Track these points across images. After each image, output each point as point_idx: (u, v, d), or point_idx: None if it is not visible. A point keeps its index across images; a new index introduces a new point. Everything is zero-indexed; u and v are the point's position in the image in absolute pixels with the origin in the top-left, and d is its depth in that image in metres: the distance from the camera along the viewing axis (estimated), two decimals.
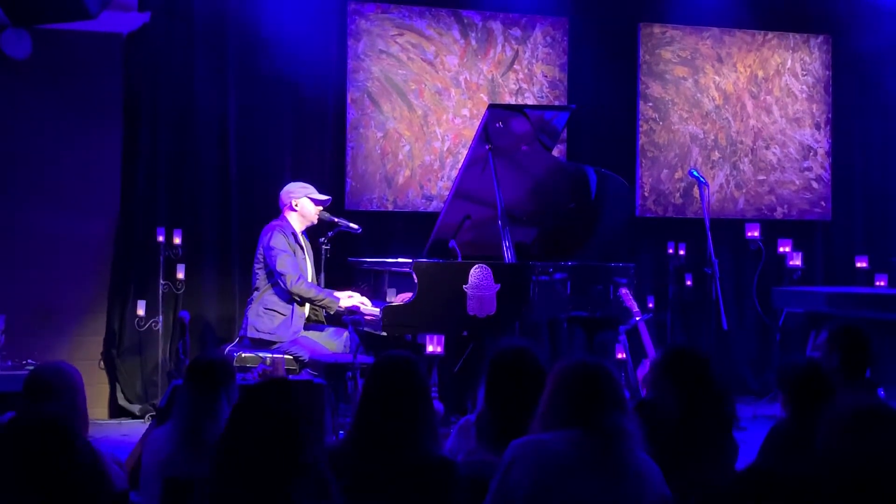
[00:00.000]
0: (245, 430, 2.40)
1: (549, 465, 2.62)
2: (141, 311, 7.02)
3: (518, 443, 2.70)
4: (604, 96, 8.30)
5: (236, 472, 2.36)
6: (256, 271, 6.19)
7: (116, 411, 7.17)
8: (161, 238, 6.98)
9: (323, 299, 6.05)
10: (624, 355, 6.84)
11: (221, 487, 2.37)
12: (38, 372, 3.39)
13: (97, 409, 6.96)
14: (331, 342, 6.18)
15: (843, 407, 2.25)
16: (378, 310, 5.76)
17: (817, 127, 8.82)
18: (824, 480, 2.22)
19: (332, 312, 6.13)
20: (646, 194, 8.41)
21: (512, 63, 8.12)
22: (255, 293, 6.18)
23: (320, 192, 6.39)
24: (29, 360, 6.38)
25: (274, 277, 6.10)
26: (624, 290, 6.40)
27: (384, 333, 5.67)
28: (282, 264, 6.03)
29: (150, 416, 6.88)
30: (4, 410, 3.53)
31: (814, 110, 8.81)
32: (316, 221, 6.33)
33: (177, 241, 7.03)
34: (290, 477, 2.35)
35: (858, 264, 8.11)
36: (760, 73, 8.70)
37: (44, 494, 2.23)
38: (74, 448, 2.31)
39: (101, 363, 7.23)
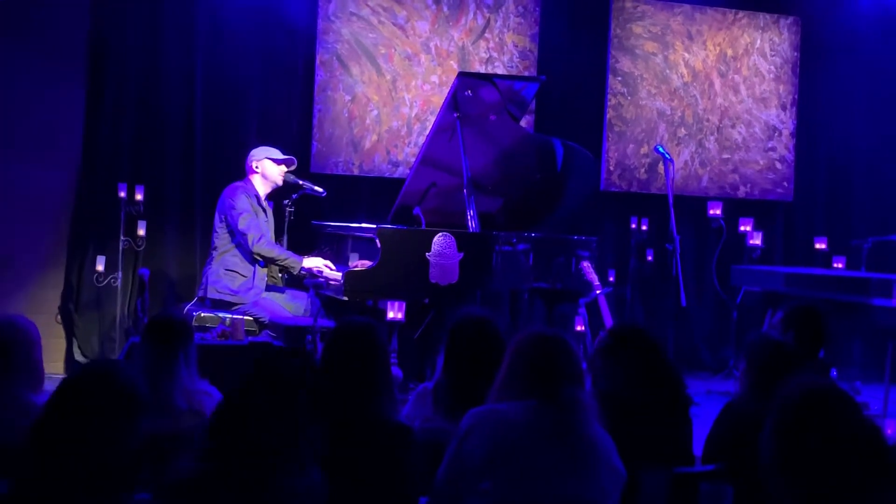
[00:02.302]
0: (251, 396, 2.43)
1: (504, 434, 2.64)
2: (100, 267, 6.96)
3: (475, 411, 2.72)
4: (573, 69, 8.30)
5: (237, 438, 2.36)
6: (217, 230, 6.16)
7: (72, 366, 7.11)
8: (123, 194, 6.91)
9: (286, 259, 6.04)
10: (583, 328, 6.88)
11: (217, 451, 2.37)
12: None
13: (53, 363, 6.90)
14: (291, 305, 6.17)
15: (795, 387, 2.28)
16: (340, 274, 5.75)
17: (783, 108, 8.88)
18: (771, 461, 2.25)
19: (294, 273, 6.12)
20: (611, 168, 8.44)
21: (483, 31, 8.09)
22: (214, 253, 6.15)
23: (285, 154, 6.36)
24: None
25: (236, 238, 6.07)
26: (585, 263, 6.44)
27: (346, 298, 5.66)
28: (243, 223, 6.01)
29: None
30: None
31: (780, 91, 8.87)
32: (280, 183, 6.30)
33: (139, 197, 6.96)
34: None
35: (818, 245, 8.22)
36: (729, 52, 8.73)
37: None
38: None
39: (59, 317, 7.16)
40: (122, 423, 2.36)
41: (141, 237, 7.00)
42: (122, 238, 6.97)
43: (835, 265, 7.86)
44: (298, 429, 2.39)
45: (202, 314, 5.93)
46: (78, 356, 7.13)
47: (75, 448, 2.28)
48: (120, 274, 7.01)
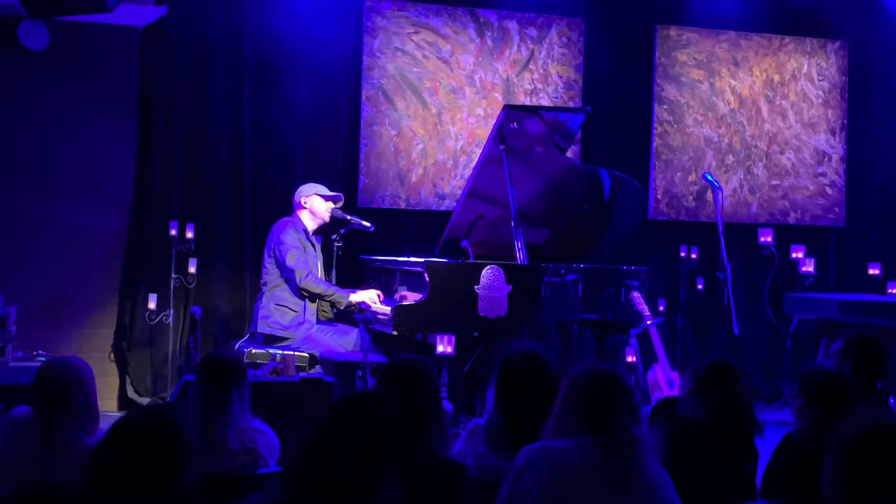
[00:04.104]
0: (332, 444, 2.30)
1: (560, 471, 2.61)
2: (152, 305, 7.03)
3: (529, 448, 2.69)
4: (619, 98, 8.28)
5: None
6: (266, 265, 6.21)
7: (126, 404, 7.18)
8: (174, 232, 6.99)
9: (332, 294, 6.08)
10: (634, 359, 6.82)
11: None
12: (49, 366, 3.39)
13: (107, 401, 6.96)
14: (341, 340, 6.18)
15: (858, 423, 2.24)
16: (389, 308, 5.76)
17: (832, 132, 8.78)
18: (835, 496, 2.21)
19: (341, 308, 6.15)
20: (659, 197, 8.38)
21: (527, 63, 8.10)
22: (264, 288, 6.20)
23: (332, 190, 6.41)
24: (40, 352, 6.40)
25: (285, 272, 6.12)
26: (635, 294, 6.38)
27: (395, 332, 5.67)
28: (291, 259, 6.06)
29: None
30: (16, 403, 3.53)
31: (829, 116, 8.77)
32: (328, 219, 6.35)
33: (189, 235, 7.02)
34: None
35: (871, 271, 8.07)
36: (776, 78, 8.67)
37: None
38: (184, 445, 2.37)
39: (112, 356, 7.24)
40: (171, 467, 2.36)
41: (192, 274, 7.06)
42: (173, 276, 7.03)
43: (889, 291, 7.72)
44: (378, 479, 2.26)
45: (253, 350, 5.95)
46: (131, 394, 7.19)
47: (125, 492, 2.29)
48: (172, 311, 7.07)
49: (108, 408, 7.03)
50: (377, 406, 2.38)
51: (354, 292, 6.15)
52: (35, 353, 6.39)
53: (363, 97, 7.75)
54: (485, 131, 7.51)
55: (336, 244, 6.37)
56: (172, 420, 2.44)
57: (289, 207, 6.41)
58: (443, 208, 7.74)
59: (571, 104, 8.05)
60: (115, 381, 7.22)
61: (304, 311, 6.12)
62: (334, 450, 2.25)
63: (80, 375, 3.32)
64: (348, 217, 6.39)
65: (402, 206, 7.83)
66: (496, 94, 7.99)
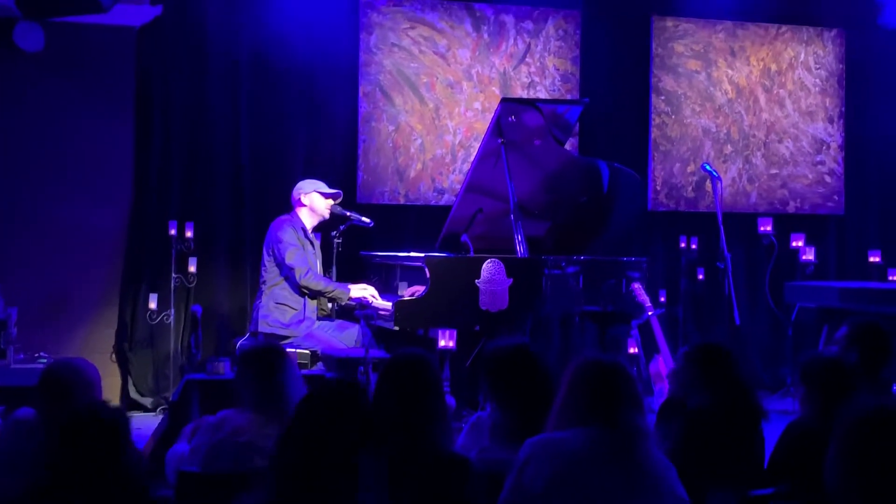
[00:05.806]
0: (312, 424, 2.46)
1: (565, 462, 2.61)
2: (153, 304, 7.03)
3: (533, 441, 2.70)
4: (616, 90, 8.27)
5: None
6: (265, 264, 6.21)
7: (128, 404, 7.18)
8: (173, 231, 6.99)
9: (333, 290, 6.08)
10: (636, 350, 6.82)
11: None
12: (54, 369, 3.38)
13: (109, 401, 6.96)
14: (343, 336, 6.18)
15: (861, 408, 2.24)
16: (390, 304, 5.76)
17: (830, 121, 8.78)
18: (838, 483, 2.21)
19: (342, 303, 6.15)
20: (658, 188, 8.38)
21: (524, 56, 8.09)
22: (264, 287, 6.20)
23: (331, 186, 6.41)
24: (42, 353, 6.40)
25: (284, 271, 6.11)
26: (636, 285, 6.38)
27: (396, 328, 5.66)
28: (290, 257, 6.05)
29: (162, 409, 6.89)
30: (18, 405, 3.53)
31: (827, 104, 8.77)
32: (327, 216, 6.34)
33: (189, 234, 7.03)
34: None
35: (872, 259, 8.07)
36: (773, 67, 8.66)
37: (94, 490, 2.27)
38: (128, 446, 2.35)
39: (113, 356, 7.24)
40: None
41: (192, 273, 7.06)
42: (173, 275, 7.04)
43: (890, 278, 7.72)
44: (355, 459, 2.40)
45: None
46: (133, 394, 7.20)
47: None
48: (172, 311, 7.07)
49: None
50: (348, 391, 2.52)
51: (353, 286, 6.14)
52: (37, 354, 6.39)
53: (360, 93, 7.75)
54: (483, 125, 7.50)
55: (336, 241, 6.36)
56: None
57: (288, 205, 6.41)
58: (442, 203, 7.74)
59: (569, 97, 8.05)
60: (117, 381, 7.22)
61: (304, 309, 6.11)
62: (312, 436, 2.42)
63: (85, 377, 3.31)
64: (348, 213, 6.38)
65: (402, 201, 7.83)
66: (493, 88, 7.98)
